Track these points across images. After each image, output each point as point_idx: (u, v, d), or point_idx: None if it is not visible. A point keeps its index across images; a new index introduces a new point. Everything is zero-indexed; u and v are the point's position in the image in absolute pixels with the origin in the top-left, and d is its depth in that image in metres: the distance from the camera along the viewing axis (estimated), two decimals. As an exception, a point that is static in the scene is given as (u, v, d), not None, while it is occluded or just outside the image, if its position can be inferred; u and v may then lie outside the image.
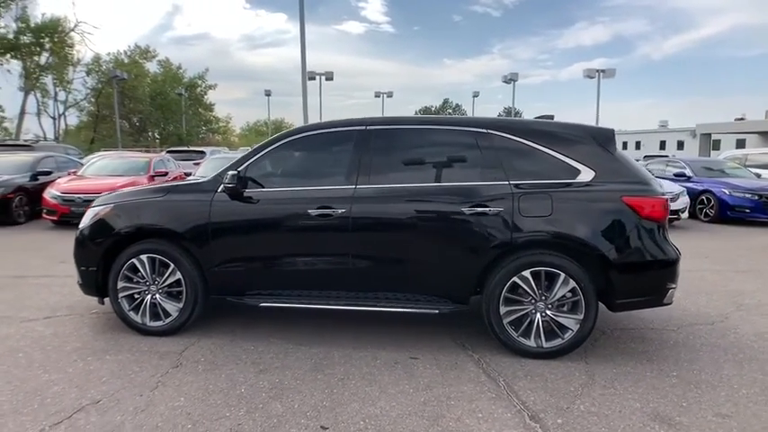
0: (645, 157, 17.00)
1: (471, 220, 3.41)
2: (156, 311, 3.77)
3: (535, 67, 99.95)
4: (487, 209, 3.39)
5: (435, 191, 3.52)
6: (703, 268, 6.52)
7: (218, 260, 3.66)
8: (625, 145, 51.30)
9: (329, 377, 3.15)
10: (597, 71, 35.67)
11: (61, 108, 38.93)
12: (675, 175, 12.60)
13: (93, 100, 41.07)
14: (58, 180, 9.46)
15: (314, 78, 39.54)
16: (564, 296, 3.39)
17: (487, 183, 3.47)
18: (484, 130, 3.58)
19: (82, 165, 11.48)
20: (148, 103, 48.34)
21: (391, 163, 3.66)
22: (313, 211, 3.52)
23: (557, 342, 3.42)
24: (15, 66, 27.25)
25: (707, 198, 11.66)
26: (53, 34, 27.62)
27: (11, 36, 26.04)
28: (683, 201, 10.45)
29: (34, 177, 9.86)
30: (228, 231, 3.67)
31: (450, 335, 3.87)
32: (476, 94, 52.29)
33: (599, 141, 3.54)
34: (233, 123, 69.19)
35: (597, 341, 3.82)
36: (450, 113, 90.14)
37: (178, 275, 3.71)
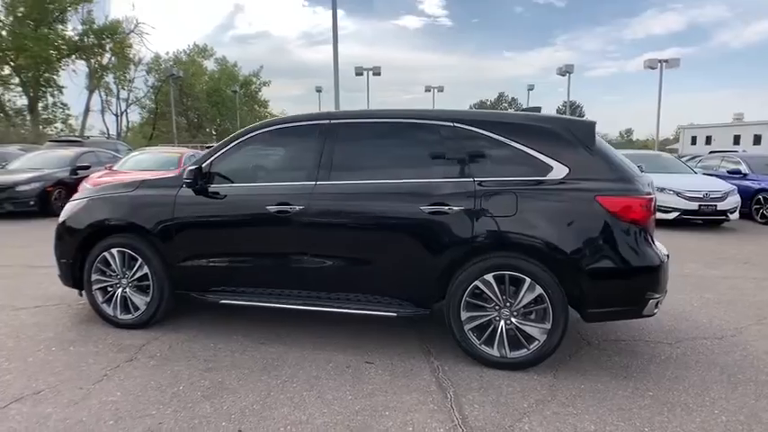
0: (710, 153, 15.72)
1: (430, 220, 3.20)
2: (127, 305, 3.83)
3: (602, 58, 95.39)
4: (447, 207, 3.18)
5: (394, 188, 3.34)
6: (738, 275, 5.94)
7: (182, 256, 3.66)
8: (694, 140, 47.98)
9: (273, 379, 3.07)
10: (659, 61, 33.43)
11: (123, 105, 41.32)
12: (729, 172, 11.61)
13: (153, 97, 43.22)
14: (93, 174, 9.96)
15: (361, 74, 39.76)
16: (530, 303, 3.13)
17: (450, 180, 3.25)
18: (449, 124, 3.36)
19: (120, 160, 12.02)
20: (205, 100, 50.29)
21: (354, 159, 3.51)
22: (272, 208, 3.44)
23: (522, 352, 3.17)
24: (81, 66, 29.31)
25: (764, 197, 10.66)
26: (113, 36, 29.34)
27: (75, 38, 27.87)
28: (733, 200, 9.59)
29: (74, 172, 10.44)
30: (191, 227, 3.66)
31: (420, 339, 3.68)
32: (530, 87, 50.49)
33: (576, 135, 3.23)
34: (287, 119, 70.36)
35: (578, 352, 3.52)
36: (505, 107, 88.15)
37: (145, 270, 3.74)
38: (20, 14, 25.62)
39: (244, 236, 3.60)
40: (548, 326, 3.11)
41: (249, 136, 3.72)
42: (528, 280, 3.09)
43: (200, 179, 3.58)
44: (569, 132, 3.23)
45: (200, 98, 49.93)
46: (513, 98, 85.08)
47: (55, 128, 28.15)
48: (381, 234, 3.35)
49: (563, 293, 3.09)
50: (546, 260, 3.09)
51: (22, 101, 27.35)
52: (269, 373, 3.14)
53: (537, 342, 3.14)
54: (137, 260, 3.75)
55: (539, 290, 3.08)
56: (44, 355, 3.38)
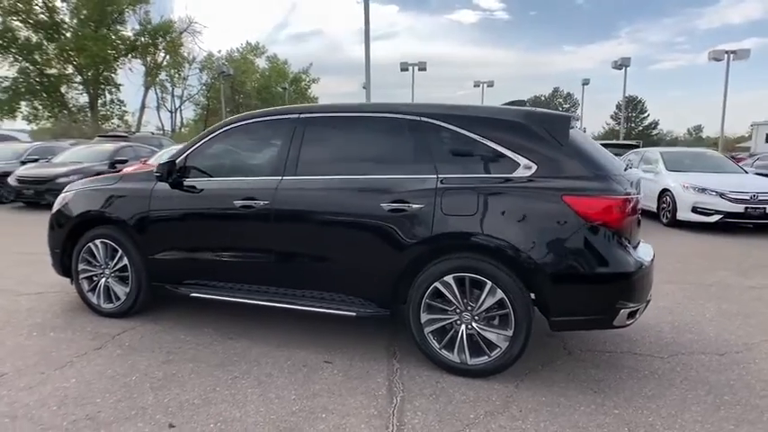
0: None
1: (390, 217, 3.09)
2: (110, 294, 3.94)
3: (670, 50, 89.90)
4: (407, 205, 3.05)
5: (357, 185, 3.24)
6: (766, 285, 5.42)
7: (157, 248, 3.72)
8: (768, 138, 44.39)
9: (226, 374, 3.06)
10: (726, 53, 31.11)
11: (177, 102, 43.15)
12: None
13: (205, 94, 44.93)
14: (126, 168, 10.42)
15: (407, 69, 39.55)
16: (492, 308, 2.96)
17: (412, 176, 3.12)
18: (416, 118, 3.22)
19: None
20: (255, 97, 51.75)
21: (320, 153, 3.44)
22: (238, 202, 3.43)
23: (482, 359, 3.00)
24: (137, 64, 30.98)
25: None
26: (165, 35, 30.73)
27: (132, 38, 29.45)
28: (779, 202, 8.76)
29: (112, 165, 10.97)
30: (165, 220, 3.71)
31: (390, 341, 3.58)
32: (585, 82, 48.31)
33: (547, 130, 3.01)
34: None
35: (553, 362, 3.30)
36: (559, 103, 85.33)
37: (125, 261, 3.84)
38: (83, 17, 27.36)
39: (213, 230, 3.61)
40: (509, 333, 2.92)
41: (224, 130, 3.73)
42: (489, 283, 2.92)
43: (174, 173, 3.62)
44: (540, 127, 3.02)
45: (251, 95, 51.39)
46: (568, 93, 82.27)
47: (112, 123, 29.91)
48: (343, 232, 3.27)
49: (527, 299, 2.89)
50: (508, 263, 2.90)
51: (84, 98, 29.28)
52: (224, 369, 3.13)
53: (498, 349, 2.96)
54: (118, 251, 3.86)
55: (500, 294, 2.90)
56: (23, 339, 3.53)
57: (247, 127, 3.71)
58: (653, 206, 9.93)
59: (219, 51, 48.61)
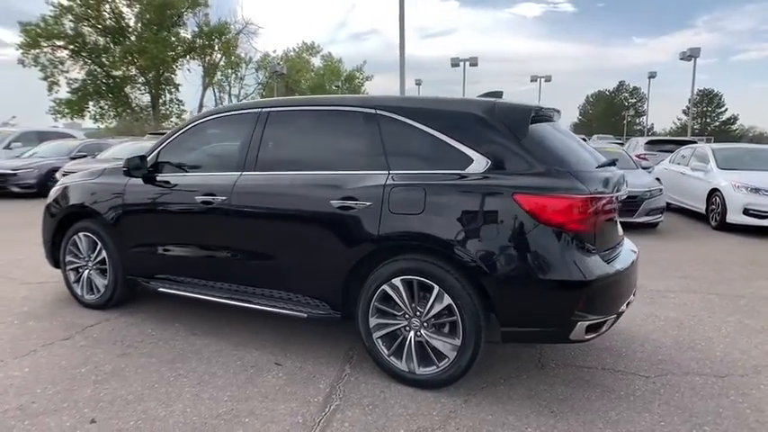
0: None
1: (338, 215, 2.93)
2: (91, 286, 4.05)
3: (755, 39, 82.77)
4: (355, 202, 2.89)
5: (310, 181, 3.11)
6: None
7: (130, 242, 3.77)
8: None
9: (171, 371, 3.03)
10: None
11: (235, 101, 44.69)
12: None
13: (261, 94, 46.27)
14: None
15: (457, 65, 38.86)
16: (441, 314, 2.74)
17: (362, 172, 2.95)
18: (372, 111, 3.05)
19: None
20: (310, 95, 52.74)
21: (279, 149, 3.34)
22: (199, 198, 3.40)
23: (431, 370, 2.79)
24: (194, 65, 32.47)
25: None
26: (221, 37, 31.93)
27: (189, 40, 30.86)
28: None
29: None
30: (136, 214, 3.75)
31: (353, 344, 3.42)
32: (652, 75, 45.66)
33: (505, 123, 2.75)
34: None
35: (518, 376, 3.03)
36: (625, 97, 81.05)
37: (104, 254, 3.92)
38: (146, 20, 28.99)
39: (178, 225, 3.61)
40: (457, 342, 2.69)
41: (195, 124, 3.72)
42: (436, 287, 2.70)
43: (142, 168, 3.65)
44: (496, 119, 2.76)
45: (306, 94, 52.39)
46: (634, 87, 77.88)
47: (171, 122, 31.47)
48: (295, 230, 3.15)
49: (477, 306, 2.65)
50: (456, 267, 2.67)
51: (147, 98, 31.01)
52: (172, 365, 3.11)
53: (447, 360, 2.74)
54: (97, 244, 3.94)
55: (447, 300, 2.68)
56: (2, 327, 3.68)
57: (217, 121, 3.68)
58: (701, 207, 9.11)
59: (275, 51, 49.87)
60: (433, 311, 2.74)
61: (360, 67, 59.03)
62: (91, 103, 30.06)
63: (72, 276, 4.14)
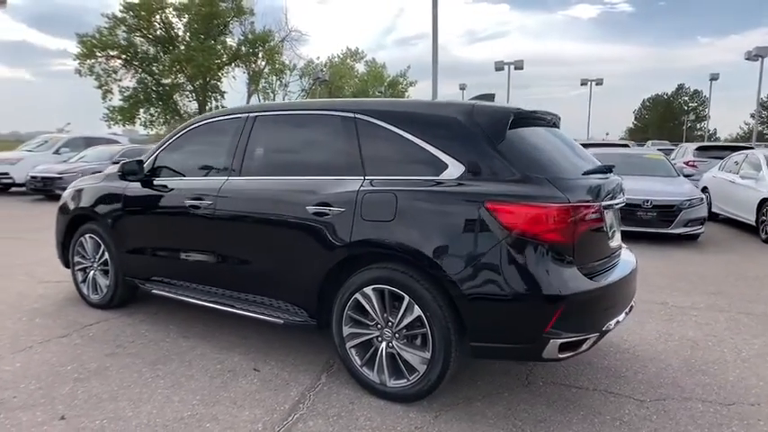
0: None
1: (313, 221, 2.89)
2: (96, 286, 4.18)
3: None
4: (329, 208, 2.84)
5: (288, 186, 3.09)
6: None
7: (128, 244, 3.87)
8: None
9: (151, 372, 3.07)
10: None
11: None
12: None
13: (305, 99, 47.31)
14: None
15: (502, 69, 38.18)
16: (412, 326, 2.64)
17: (338, 178, 2.90)
18: (350, 115, 3.00)
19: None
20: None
21: (263, 153, 3.35)
22: (188, 202, 3.45)
23: (401, 383, 2.69)
24: (239, 72, 33.50)
25: None
26: (264, 44, 32.77)
27: (234, 48, 31.87)
28: None
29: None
30: (133, 218, 3.85)
31: (336, 353, 3.36)
32: (714, 77, 43.23)
33: (481, 126, 2.63)
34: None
35: (500, 394, 2.88)
36: (685, 101, 77.21)
37: (107, 256, 4.04)
38: (193, 30, 30.20)
39: (170, 229, 3.68)
40: (427, 355, 2.59)
41: (188, 130, 3.79)
42: (407, 298, 2.61)
43: (137, 172, 3.74)
44: (473, 122, 2.65)
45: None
46: (695, 90, 73.83)
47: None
48: (274, 235, 3.13)
49: (447, 319, 2.53)
50: (426, 277, 2.57)
51: (194, 105, 32.21)
52: (153, 367, 3.15)
53: (417, 373, 2.64)
54: (101, 246, 4.08)
55: (418, 311, 2.58)
56: (11, 323, 3.85)
57: (209, 126, 3.72)
58: (751, 219, 8.48)
59: (318, 58, 50.70)
60: (404, 322, 2.65)
61: (404, 73, 59.08)
62: (141, 110, 31.47)
63: (80, 276, 4.30)
